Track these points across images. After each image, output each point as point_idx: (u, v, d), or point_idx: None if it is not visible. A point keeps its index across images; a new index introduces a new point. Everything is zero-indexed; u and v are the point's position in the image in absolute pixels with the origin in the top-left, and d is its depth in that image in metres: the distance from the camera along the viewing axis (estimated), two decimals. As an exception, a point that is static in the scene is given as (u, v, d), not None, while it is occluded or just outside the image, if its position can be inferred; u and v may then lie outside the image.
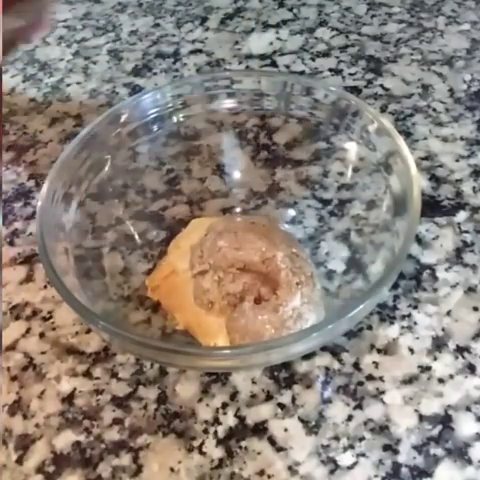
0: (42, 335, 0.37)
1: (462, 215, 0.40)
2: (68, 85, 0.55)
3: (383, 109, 0.48)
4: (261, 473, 0.30)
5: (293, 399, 0.33)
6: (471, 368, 0.33)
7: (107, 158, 0.41)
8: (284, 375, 0.34)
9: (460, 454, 0.30)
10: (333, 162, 0.43)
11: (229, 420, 0.32)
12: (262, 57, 0.55)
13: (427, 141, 0.45)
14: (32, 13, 0.36)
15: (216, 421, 0.32)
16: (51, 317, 0.38)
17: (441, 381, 0.33)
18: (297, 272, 0.33)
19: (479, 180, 0.42)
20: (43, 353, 0.36)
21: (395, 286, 0.36)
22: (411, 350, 0.34)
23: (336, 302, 0.35)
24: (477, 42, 0.53)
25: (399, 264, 0.31)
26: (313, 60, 0.53)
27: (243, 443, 0.31)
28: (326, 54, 0.54)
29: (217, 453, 0.31)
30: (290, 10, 0.60)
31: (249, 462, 0.31)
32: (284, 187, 0.42)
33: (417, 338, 0.34)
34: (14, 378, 0.35)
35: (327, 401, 0.32)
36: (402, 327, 0.35)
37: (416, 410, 0.32)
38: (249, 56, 0.56)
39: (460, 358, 0.33)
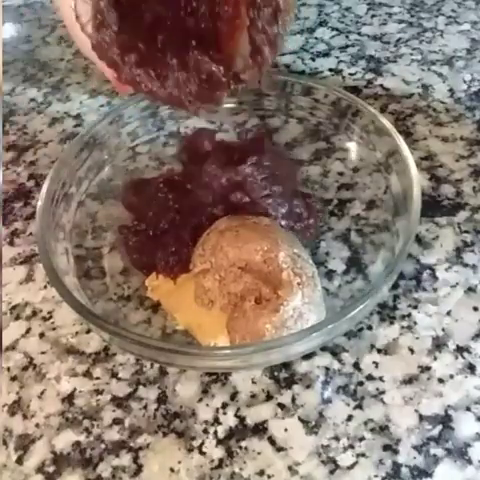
0: (42, 335, 0.37)
1: (462, 215, 0.40)
2: (68, 85, 0.55)
3: (383, 109, 0.48)
4: (261, 473, 0.30)
5: (293, 399, 0.33)
6: (471, 368, 0.33)
7: (107, 158, 0.42)
8: (284, 375, 0.34)
9: (460, 454, 0.30)
10: (333, 162, 0.43)
11: (229, 420, 0.32)
12: (262, 57, 0.54)
13: (427, 141, 0.45)
14: None
15: (216, 421, 0.32)
16: (51, 317, 0.37)
17: (441, 381, 0.33)
18: (298, 272, 0.33)
19: (479, 180, 0.42)
20: (43, 353, 0.36)
21: (395, 286, 0.36)
22: (411, 350, 0.34)
23: (336, 302, 0.35)
24: (477, 42, 0.53)
25: (399, 264, 0.31)
26: (313, 60, 0.53)
27: (243, 443, 0.31)
28: (326, 54, 0.54)
29: (217, 453, 0.31)
30: (290, 10, 0.60)
31: (249, 462, 0.31)
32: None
33: (417, 338, 0.34)
34: (14, 378, 0.35)
35: (327, 401, 0.32)
36: (402, 327, 0.35)
37: (416, 410, 0.32)
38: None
39: (460, 358, 0.33)
